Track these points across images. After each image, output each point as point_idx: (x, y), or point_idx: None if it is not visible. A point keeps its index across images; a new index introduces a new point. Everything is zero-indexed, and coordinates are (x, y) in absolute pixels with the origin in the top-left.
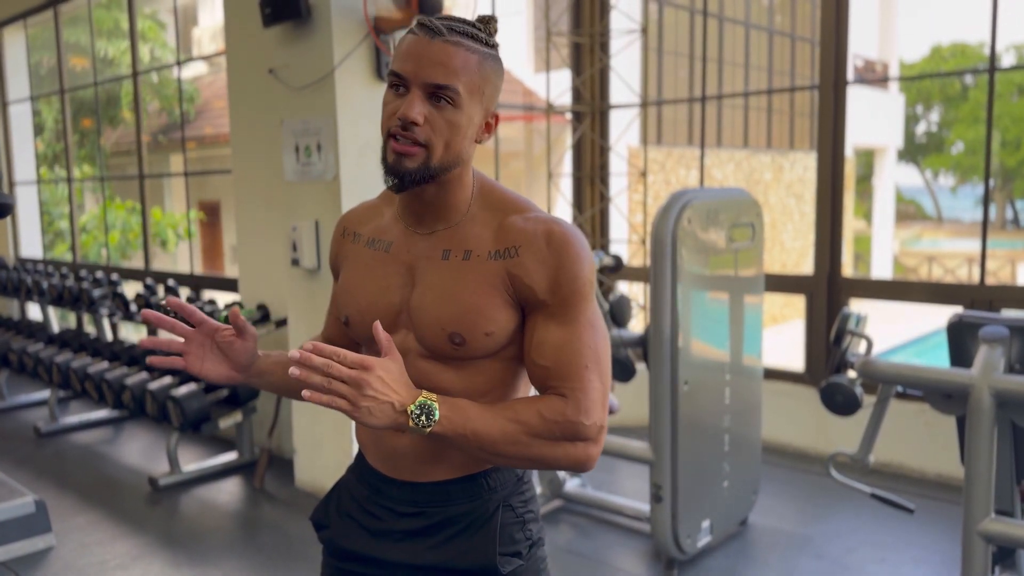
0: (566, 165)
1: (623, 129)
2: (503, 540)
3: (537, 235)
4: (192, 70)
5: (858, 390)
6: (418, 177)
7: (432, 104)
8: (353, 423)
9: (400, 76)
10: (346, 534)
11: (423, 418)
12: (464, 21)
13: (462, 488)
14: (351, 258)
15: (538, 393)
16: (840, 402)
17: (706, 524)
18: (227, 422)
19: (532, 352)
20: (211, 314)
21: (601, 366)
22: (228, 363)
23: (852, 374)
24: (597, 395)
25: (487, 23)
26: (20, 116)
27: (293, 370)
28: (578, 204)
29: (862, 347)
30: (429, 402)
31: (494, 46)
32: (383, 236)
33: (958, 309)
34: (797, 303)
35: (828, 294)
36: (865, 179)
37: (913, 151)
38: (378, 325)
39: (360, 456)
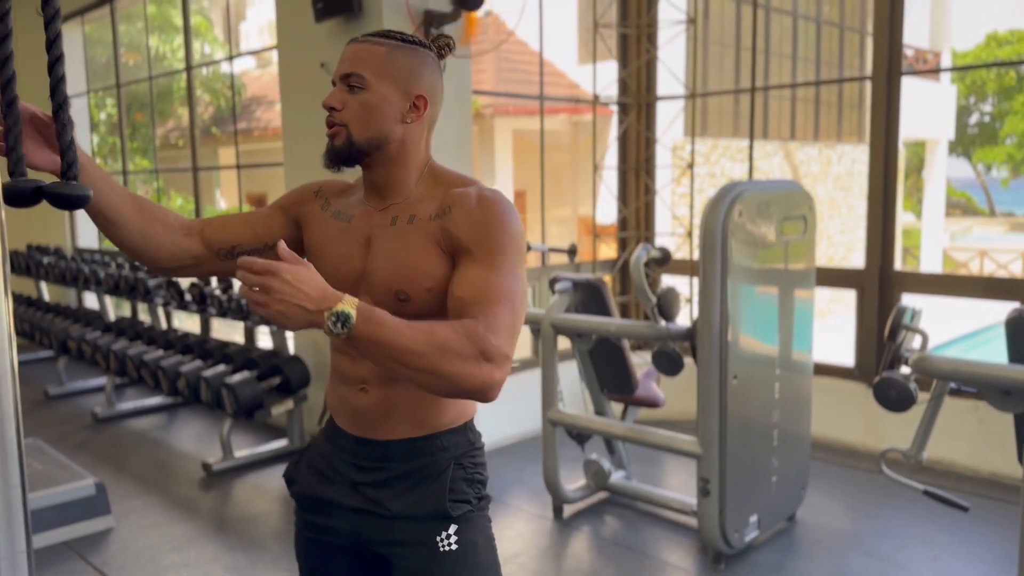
0: (610, 157)
1: (670, 121)
2: (453, 491)
3: (470, 196)
4: (239, 65)
5: (912, 386)
6: (344, 152)
7: (348, 92)
8: None
9: (333, 80)
10: (314, 486)
11: (339, 326)
12: (388, 32)
13: (419, 446)
14: (315, 223)
15: None
16: (894, 398)
17: (754, 519)
18: (279, 409)
19: (453, 287)
20: None
21: (515, 306)
22: (51, 148)
23: (906, 369)
24: (506, 323)
25: (435, 40)
26: (77, 111)
27: (240, 289)
28: (623, 197)
29: (916, 342)
30: (346, 311)
31: (416, 43)
32: (348, 210)
33: (1015, 304)
34: (844, 297)
35: (880, 288)
36: (915, 172)
37: (965, 143)
38: (281, 243)
39: (330, 419)
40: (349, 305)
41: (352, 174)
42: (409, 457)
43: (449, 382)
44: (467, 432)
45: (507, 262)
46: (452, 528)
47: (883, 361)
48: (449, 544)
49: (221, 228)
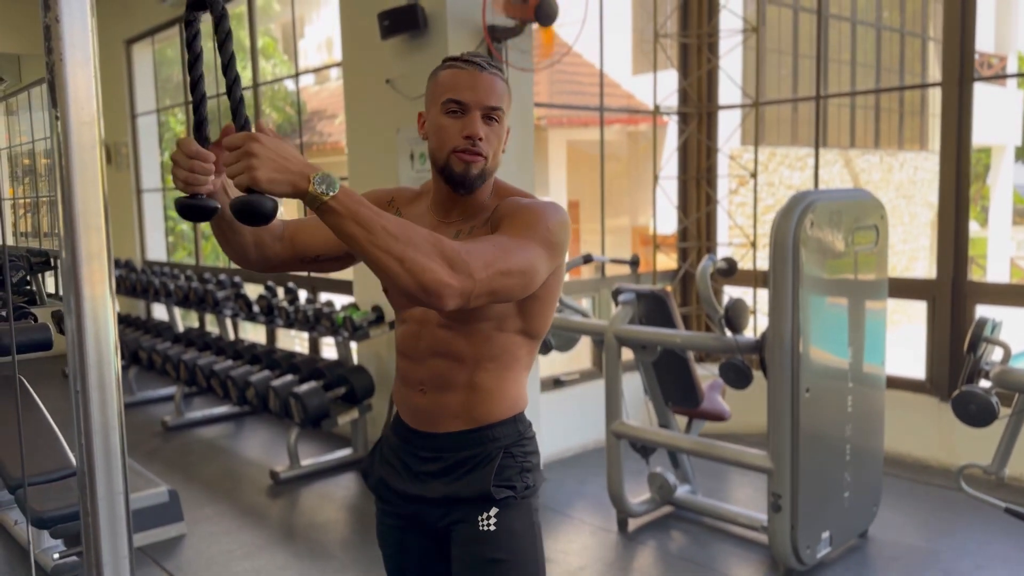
0: (667, 168)
1: (731, 130)
2: (500, 477)
3: (520, 199)
4: (300, 81)
5: (994, 399)
6: (479, 181)
7: (486, 123)
8: None
9: (460, 103)
10: (384, 476)
11: (323, 186)
12: (491, 60)
13: (471, 437)
14: None
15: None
16: (974, 412)
17: (826, 535)
18: (344, 419)
19: None
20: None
21: (506, 253)
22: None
23: (986, 383)
24: (486, 255)
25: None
26: (147, 127)
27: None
28: (683, 207)
29: (997, 355)
30: (331, 176)
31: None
32: (417, 221)
33: None
34: (907, 309)
35: (952, 299)
36: (980, 179)
37: None
38: (261, 120)
39: (397, 414)
40: (331, 173)
41: (416, 182)
42: (461, 447)
43: (408, 270)
44: (516, 423)
45: (525, 233)
46: (493, 511)
47: (963, 374)
48: (488, 524)
49: (309, 236)
